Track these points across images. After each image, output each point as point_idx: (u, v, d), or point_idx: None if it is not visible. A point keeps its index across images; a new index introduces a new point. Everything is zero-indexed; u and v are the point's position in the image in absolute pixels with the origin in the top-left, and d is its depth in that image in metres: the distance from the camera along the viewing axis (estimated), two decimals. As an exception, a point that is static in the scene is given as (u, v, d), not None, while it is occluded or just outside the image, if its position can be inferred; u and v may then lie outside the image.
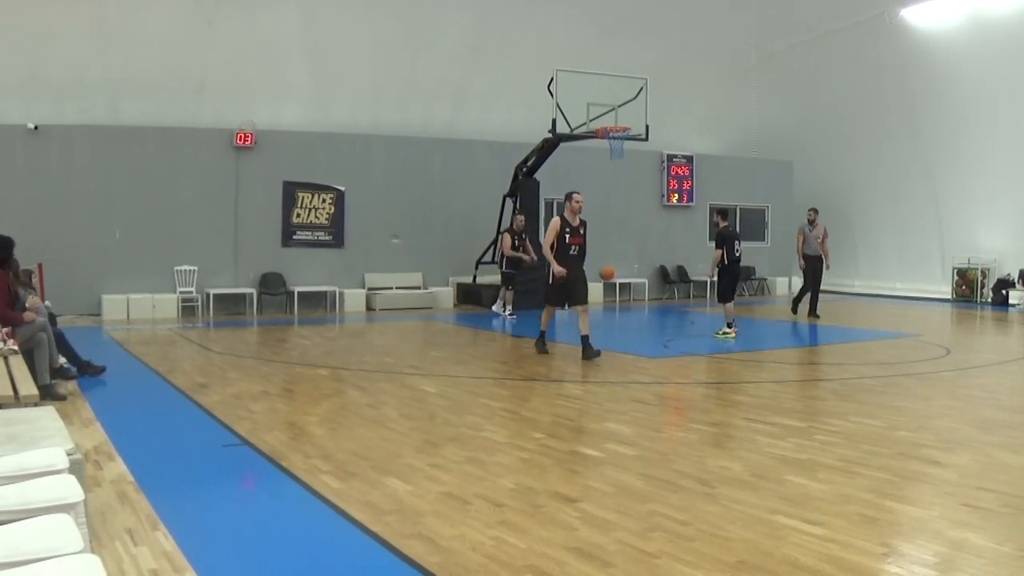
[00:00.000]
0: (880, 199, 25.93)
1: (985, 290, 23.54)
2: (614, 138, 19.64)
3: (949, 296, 24.34)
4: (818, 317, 18.35)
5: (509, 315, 19.09)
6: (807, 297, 18.85)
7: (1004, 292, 22.81)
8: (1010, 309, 22.04)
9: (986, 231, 23.62)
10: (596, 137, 19.75)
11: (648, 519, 5.68)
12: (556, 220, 13.10)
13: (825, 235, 18.70)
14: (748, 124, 27.49)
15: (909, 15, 23.33)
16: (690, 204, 25.51)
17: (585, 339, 12.84)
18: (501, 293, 19.70)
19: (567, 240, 12.92)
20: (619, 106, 19.72)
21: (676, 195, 25.33)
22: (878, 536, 5.35)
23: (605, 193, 23.45)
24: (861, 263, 26.88)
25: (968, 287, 23.95)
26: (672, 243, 25.29)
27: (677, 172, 25.27)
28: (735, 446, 7.81)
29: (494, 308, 19.85)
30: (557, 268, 12.81)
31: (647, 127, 19.78)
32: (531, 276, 18.72)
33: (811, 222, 18.65)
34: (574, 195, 12.97)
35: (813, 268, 18.62)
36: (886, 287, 25.99)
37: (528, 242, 19.48)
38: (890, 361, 12.87)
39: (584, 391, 10.67)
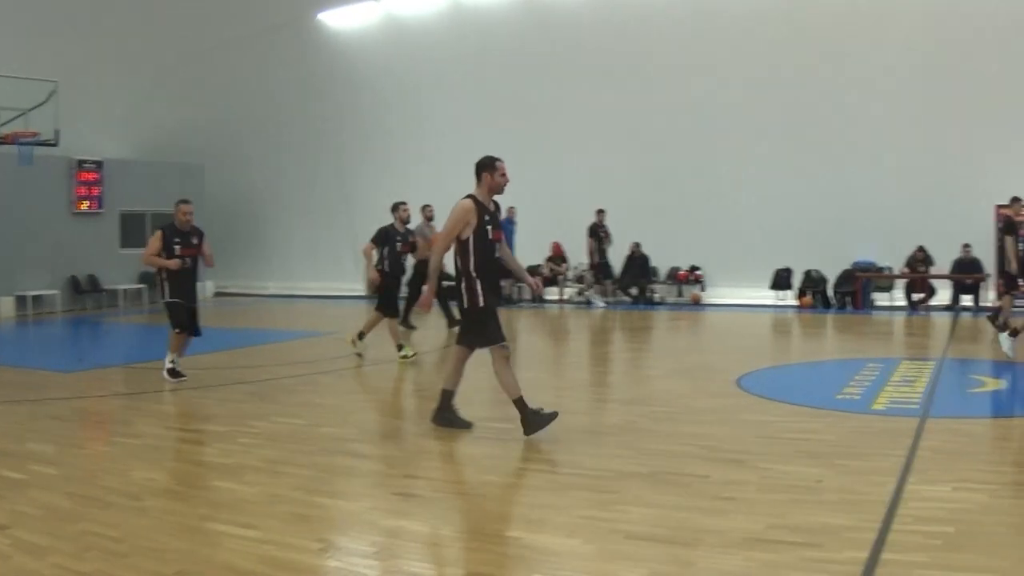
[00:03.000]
0: (294, 200, 26.60)
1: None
2: (22, 144, 18.67)
3: (363, 293, 25.49)
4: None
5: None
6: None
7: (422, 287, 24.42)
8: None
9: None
10: (4, 143, 18.65)
11: (81, 539, 5.34)
12: None
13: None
14: (162, 127, 26.84)
15: (327, 18, 24.24)
16: (100, 211, 24.13)
17: None
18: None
19: None
20: (29, 110, 18.58)
21: (85, 202, 23.83)
22: (313, 533, 5.39)
23: (12, 202, 21.60)
24: (275, 265, 27.31)
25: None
26: (84, 252, 23.73)
27: (86, 178, 23.81)
28: (159, 456, 7.54)
29: None
30: None
31: (57, 132, 18.89)
32: None
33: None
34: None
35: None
36: (300, 287, 26.67)
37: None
38: (309, 359, 13.11)
39: (-6, 411, 9.63)
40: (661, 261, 22.70)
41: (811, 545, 4.98)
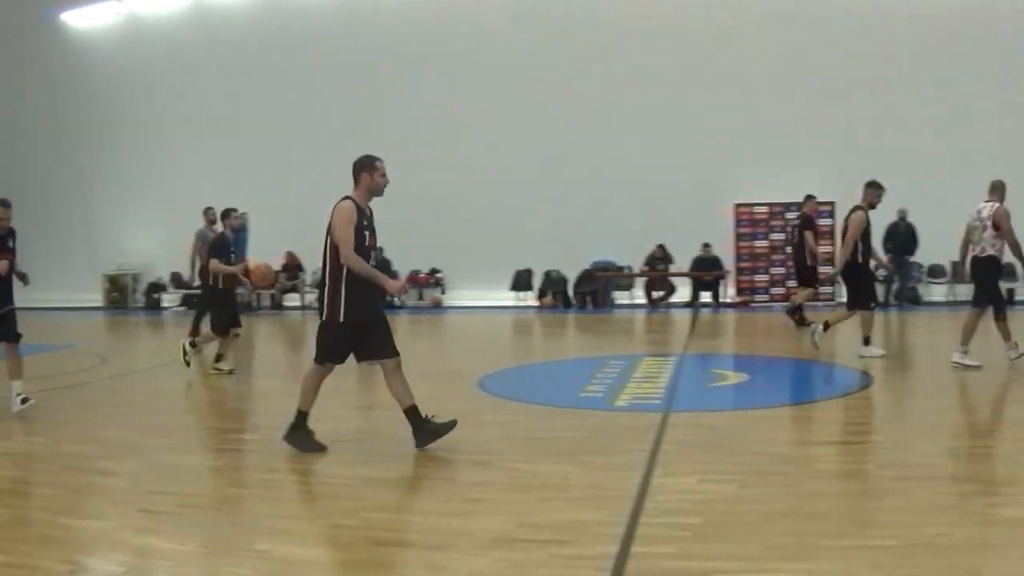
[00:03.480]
0: (31, 211, 24.99)
1: (137, 295, 24.35)
2: None
3: (101, 303, 24.48)
4: None
5: None
6: None
7: (156, 296, 24.04)
8: (163, 313, 23.13)
9: (136, 237, 24.29)
10: None
11: None
12: None
13: None
14: None
15: (69, 18, 23.02)
16: None
17: None
18: None
19: None
20: None
21: None
22: (62, 554, 5.11)
23: None
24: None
25: (120, 293, 24.43)
26: None
27: None
28: None
29: None
30: None
31: None
32: None
33: None
34: None
35: None
36: (38, 299, 25.09)
37: None
38: (48, 374, 12.29)
39: None
40: (401, 265, 22.80)
41: (560, 542, 5.07)
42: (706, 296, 21.16)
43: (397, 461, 7.03)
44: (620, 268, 21.82)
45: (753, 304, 20.93)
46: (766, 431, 8.09)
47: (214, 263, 11.97)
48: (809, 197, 16.49)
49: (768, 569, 4.73)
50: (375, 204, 7.54)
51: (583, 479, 6.40)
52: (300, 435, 7.35)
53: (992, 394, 9.90)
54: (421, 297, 22.83)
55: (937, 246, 19.77)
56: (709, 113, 20.88)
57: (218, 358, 12.07)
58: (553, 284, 21.87)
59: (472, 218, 21.53)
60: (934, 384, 10.54)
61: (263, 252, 20.85)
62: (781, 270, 21.19)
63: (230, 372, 11.94)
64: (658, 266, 21.11)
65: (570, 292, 21.84)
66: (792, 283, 19.79)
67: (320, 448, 7.34)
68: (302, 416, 7.38)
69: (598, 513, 5.57)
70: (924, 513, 5.50)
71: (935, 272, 21.35)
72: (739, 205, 21.24)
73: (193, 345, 12.42)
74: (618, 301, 21.78)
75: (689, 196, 20.55)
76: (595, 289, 21.50)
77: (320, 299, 7.32)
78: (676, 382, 10.58)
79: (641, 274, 21.58)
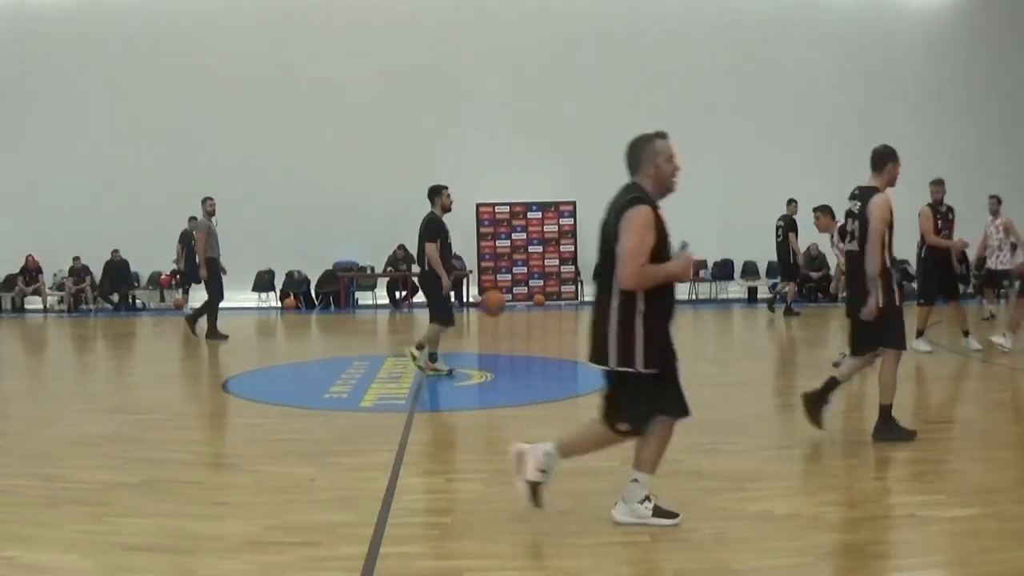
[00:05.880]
0: None
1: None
2: None
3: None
4: None
5: None
6: None
7: None
8: None
9: None
10: None
11: None
12: None
13: None
14: None
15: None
16: None
17: None
18: None
19: None
20: None
21: None
22: None
23: None
24: None
25: None
26: None
27: None
28: None
29: None
30: None
31: None
32: None
33: None
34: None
35: None
36: None
37: None
38: None
39: None
40: (142, 266, 22.03)
41: (309, 544, 5.10)
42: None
43: (143, 465, 6.85)
44: (362, 269, 21.87)
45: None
46: (511, 429, 8.21)
47: None
48: (791, 201, 18.05)
49: (519, 567, 4.89)
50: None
51: (331, 480, 6.43)
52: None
53: (740, 392, 10.36)
54: (163, 299, 22.06)
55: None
56: (449, 113, 21.35)
57: None
58: (295, 285, 21.68)
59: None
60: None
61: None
62: (523, 269, 21.88)
63: None
64: (400, 266, 21.29)
65: (313, 293, 21.71)
66: (536, 282, 20.59)
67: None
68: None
69: (347, 514, 5.62)
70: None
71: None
72: (481, 205, 21.72)
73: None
74: (361, 302, 21.81)
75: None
76: (337, 290, 21.45)
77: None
78: (421, 382, 10.71)
79: (383, 274, 21.70)
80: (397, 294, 21.60)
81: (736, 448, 7.52)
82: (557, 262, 21.82)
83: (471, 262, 21.72)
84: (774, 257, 20.64)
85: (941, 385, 10.91)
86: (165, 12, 21.61)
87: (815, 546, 5.18)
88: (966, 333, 12.91)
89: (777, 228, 18.50)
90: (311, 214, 21.12)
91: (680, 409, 5.44)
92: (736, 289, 23.08)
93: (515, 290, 21.92)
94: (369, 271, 21.97)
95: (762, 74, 22.22)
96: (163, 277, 21.97)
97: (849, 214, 7.70)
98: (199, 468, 6.81)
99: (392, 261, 21.32)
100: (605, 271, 5.32)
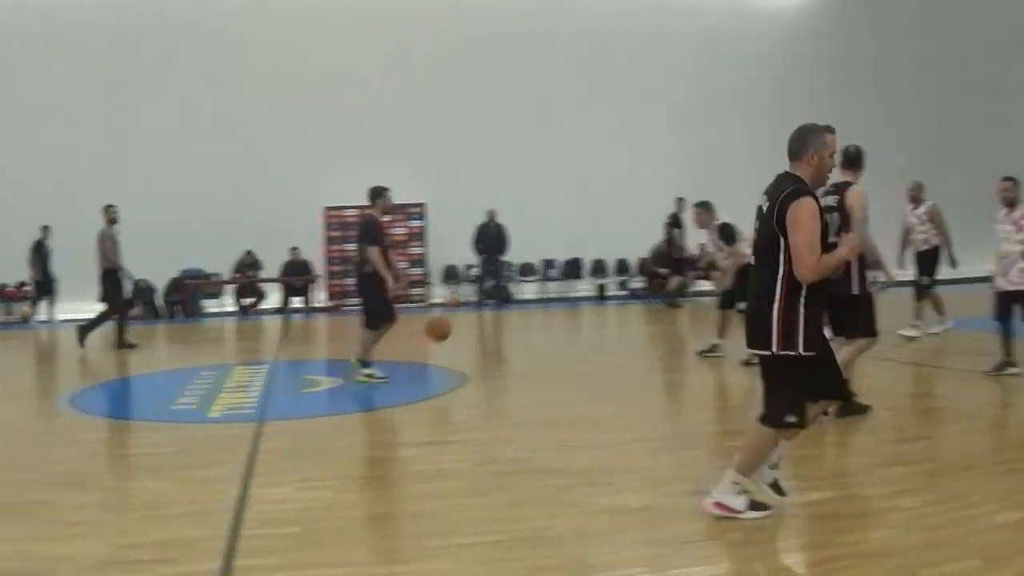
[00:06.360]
0: None
1: None
2: None
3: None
4: None
5: None
6: None
7: None
8: None
9: None
10: None
11: None
12: None
13: None
14: None
15: None
16: None
17: None
18: None
19: None
20: None
21: None
22: None
23: None
24: None
25: None
26: None
27: None
28: None
29: None
30: None
31: None
32: None
33: None
34: None
35: None
36: None
37: None
38: None
39: None
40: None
41: (164, 561, 5.07)
42: (297, 302, 21.41)
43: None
44: (209, 275, 21.52)
45: (345, 308, 21.46)
46: (361, 435, 8.42)
47: None
48: (680, 199, 18.82)
49: (377, 573, 4.98)
50: None
51: (182, 494, 6.40)
52: None
53: (589, 388, 10.58)
54: (10, 312, 21.23)
55: (527, 245, 21.48)
56: (292, 115, 21.19)
57: None
58: (141, 294, 21.14)
59: (60, 228, 20.25)
60: (530, 379, 11.34)
61: None
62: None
63: None
64: (248, 272, 21.08)
65: (160, 302, 21.24)
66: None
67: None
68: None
69: (200, 528, 5.62)
70: (527, 506, 5.88)
71: (526, 271, 23.03)
72: (329, 208, 21.67)
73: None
74: (208, 309, 21.47)
75: (276, 200, 20.77)
76: (183, 298, 21.07)
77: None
78: (269, 390, 10.72)
79: (230, 281, 21.41)
80: (243, 300, 21.35)
81: (588, 443, 7.66)
82: (407, 265, 21.96)
83: (318, 266, 21.63)
84: (624, 255, 21.51)
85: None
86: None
87: (671, 537, 5.30)
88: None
89: (665, 225, 19.43)
90: (157, 221, 20.58)
91: (835, 391, 5.88)
92: (585, 287, 23.54)
93: (364, 294, 21.85)
94: (216, 277, 21.56)
95: (613, 74, 22.83)
96: (9, 289, 21.09)
97: (826, 208, 8.15)
98: (45, 488, 6.68)
99: (239, 266, 21.07)
100: (767, 257, 5.43)
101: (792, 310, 5.29)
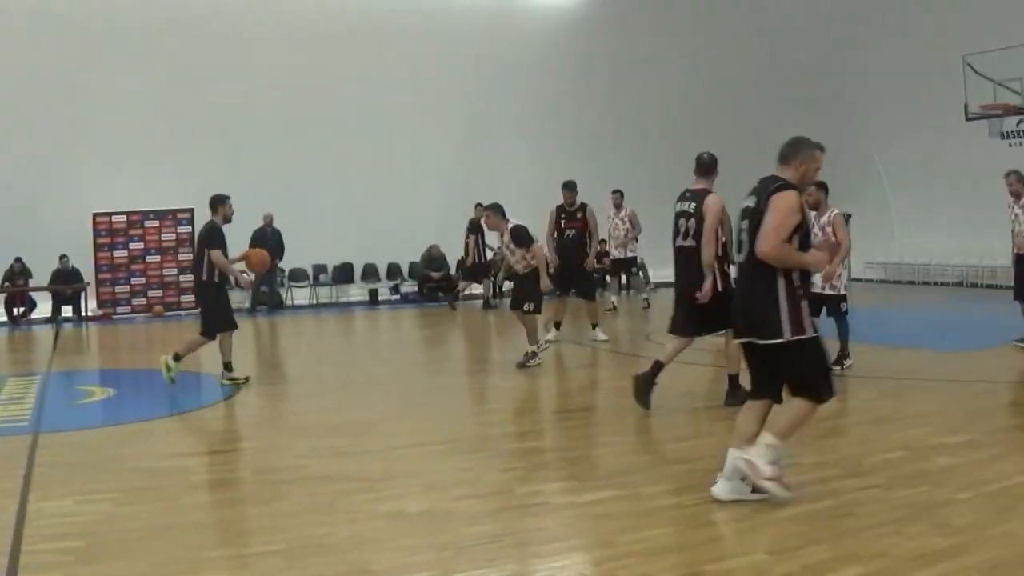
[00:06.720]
0: None
1: None
2: None
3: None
4: None
5: None
6: None
7: None
8: None
9: None
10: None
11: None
12: None
13: None
14: None
15: None
16: None
17: None
18: None
19: None
20: None
21: None
22: None
23: None
24: None
25: None
26: None
27: None
28: None
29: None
30: None
31: None
32: None
33: None
34: None
35: None
36: None
37: None
38: None
39: None
40: None
41: None
42: (67, 310, 20.85)
43: None
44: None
45: (116, 316, 21.08)
46: (138, 445, 8.28)
47: None
48: (479, 204, 18.29)
49: None
50: None
51: (-41, 512, 6.19)
52: None
53: (363, 394, 10.87)
54: None
55: (299, 251, 21.54)
56: (58, 116, 20.49)
57: None
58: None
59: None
60: (305, 386, 11.52)
61: None
62: (142, 280, 21.57)
63: None
64: (17, 281, 20.39)
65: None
66: (155, 292, 20.47)
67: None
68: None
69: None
70: (306, 514, 5.97)
71: (297, 276, 23.08)
72: (97, 214, 21.19)
73: None
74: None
75: (44, 205, 20.25)
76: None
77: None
78: (43, 401, 10.51)
79: (2, 290, 20.61)
80: (15, 310, 20.60)
81: (363, 449, 7.84)
82: (176, 271, 21.69)
83: (88, 274, 21.08)
84: (396, 259, 21.94)
85: (570, 376, 11.96)
86: None
87: (453, 541, 5.45)
88: (594, 326, 14.40)
89: (466, 231, 20.17)
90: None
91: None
92: (357, 292, 23.77)
93: (134, 301, 21.58)
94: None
95: (376, 79, 22.96)
96: None
97: (683, 214, 8.63)
98: None
99: (8, 275, 20.33)
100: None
101: (794, 298, 5.83)
